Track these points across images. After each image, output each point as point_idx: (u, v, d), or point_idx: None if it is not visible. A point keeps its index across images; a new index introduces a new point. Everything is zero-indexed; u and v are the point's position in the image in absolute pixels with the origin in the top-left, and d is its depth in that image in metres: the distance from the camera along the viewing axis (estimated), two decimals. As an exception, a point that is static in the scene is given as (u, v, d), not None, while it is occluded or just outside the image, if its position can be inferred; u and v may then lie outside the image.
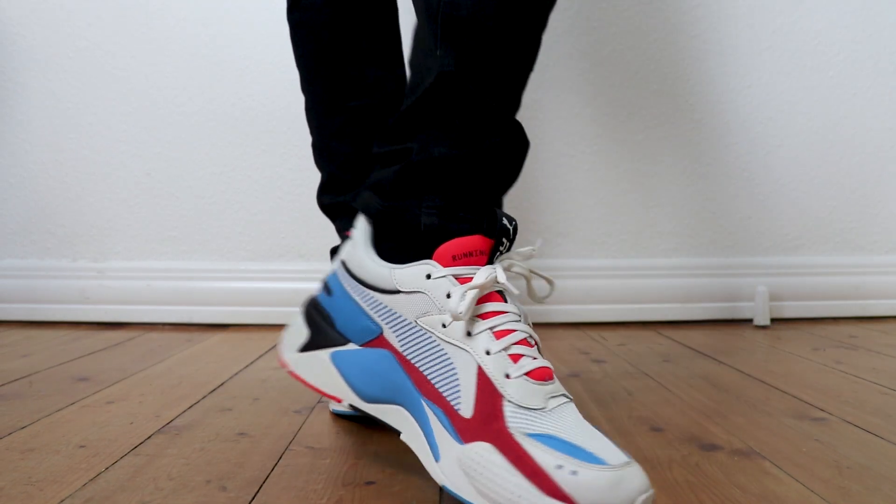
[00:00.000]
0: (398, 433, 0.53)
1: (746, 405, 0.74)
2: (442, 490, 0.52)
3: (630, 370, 0.91)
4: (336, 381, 0.56)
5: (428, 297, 0.51)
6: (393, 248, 0.55)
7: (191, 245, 1.28)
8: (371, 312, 0.54)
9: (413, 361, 0.51)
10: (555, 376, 0.50)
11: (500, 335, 0.49)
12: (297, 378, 0.59)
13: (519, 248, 0.57)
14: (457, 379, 0.49)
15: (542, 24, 0.55)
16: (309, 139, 0.77)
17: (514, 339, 0.49)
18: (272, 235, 1.28)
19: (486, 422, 0.47)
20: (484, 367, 0.48)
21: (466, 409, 0.48)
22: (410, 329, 0.52)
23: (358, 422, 0.68)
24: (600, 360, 0.97)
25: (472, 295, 0.48)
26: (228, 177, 1.28)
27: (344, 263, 0.58)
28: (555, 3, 0.57)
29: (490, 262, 0.52)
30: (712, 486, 0.52)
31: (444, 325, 0.50)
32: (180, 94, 1.27)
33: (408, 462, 0.57)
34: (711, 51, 1.30)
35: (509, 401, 0.47)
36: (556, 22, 1.28)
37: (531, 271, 0.56)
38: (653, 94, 1.30)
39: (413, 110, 0.54)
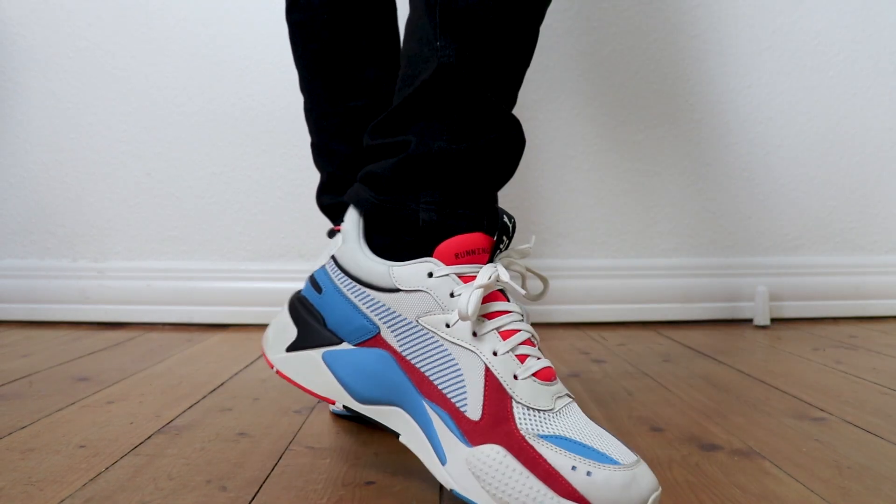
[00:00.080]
0: (397, 434, 0.52)
1: (746, 405, 0.74)
2: (442, 490, 0.52)
3: (630, 370, 0.91)
4: (329, 382, 0.54)
5: (430, 295, 0.50)
6: (388, 243, 0.54)
7: (191, 245, 1.28)
8: (367, 311, 0.52)
9: (413, 362, 0.50)
10: (556, 375, 0.50)
11: (506, 335, 0.49)
12: (286, 379, 0.57)
13: (514, 245, 0.57)
14: (462, 380, 0.48)
15: (540, 15, 0.55)
16: (309, 139, 0.77)
17: (520, 339, 0.49)
18: (272, 235, 1.28)
19: (496, 424, 0.46)
20: (492, 368, 0.47)
21: (474, 411, 0.47)
22: (411, 329, 0.50)
23: (358, 422, 0.68)
24: (600, 360, 0.97)
25: (478, 294, 0.47)
26: (228, 177, 1.28)
27: (335, 259, 0.55)
28: None
29: (491, 260, 0.51)
30: (712, 486, 0.52)
31: (447, 325, 0.49)
32: (180, 94, 1.27)
33: (408, 462, 0.57)
34: (711, 51, 1.30)
35: (518, 402, 0.46)
36: (556, 22, 1.28)
37: (527, 269, 0.55)
38: (653, 94, 1.30)
39: (410, 102, 0.53)
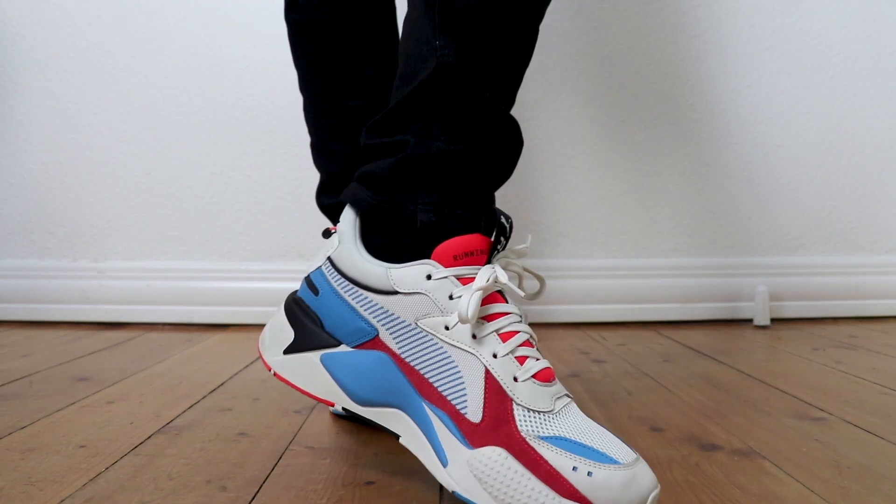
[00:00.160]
0: (397, 436, 0.52)
1: (746, 405, 0.74)
2: (442, 490, 0.52)
3: (630, 370, 0.91)
4: (327, 385, 0.53)
5: (429, 298, 0.50)
6: (384, 243, 0.53)
7: (191, 245, 1.28)
8: (365, 313, 0.52)
9: (413, 364, 0.50)
10: (555, 375, 0.50)
11: (505, 337, 0.49)
12: (284, 381, 0.56)
13: (511, 245, 0.57)
14: (462, 382, 0.48)
15: (539, 14, 0.55)
16: (308, 139, 0.77)
17: (519, 341, 0.49)
18: (272, 235, 1.28)
19: (496, 426, 0.46)
20: (492, 371, 0.48)
21: (474, 413, 0.47)
22: (410, 331, 0.50)
23: (358, 422, 0.68)
24: (600, 360, 0.97)
25: (478, 297, 0.47)
26: (228, 177, 1.28)
27: (332, 261, 0.55)
28: None
29: (489, 261, 0.51)
30: (712, 486, 0.52)
31: (446, 328, 0.49)
32: (180, 94, 1.27)
33: (408, 462, 0.57)
34: (711, 51, 1.30)
35: (518, 404, 0.47)
36: (556, 22, 1.28)
37: (524, 269, 0.55)
38: (653, 94, 1.30)
39: (408, 102, 0.52)
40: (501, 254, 0.53)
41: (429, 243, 0.51)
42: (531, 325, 1.25)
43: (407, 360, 0.51)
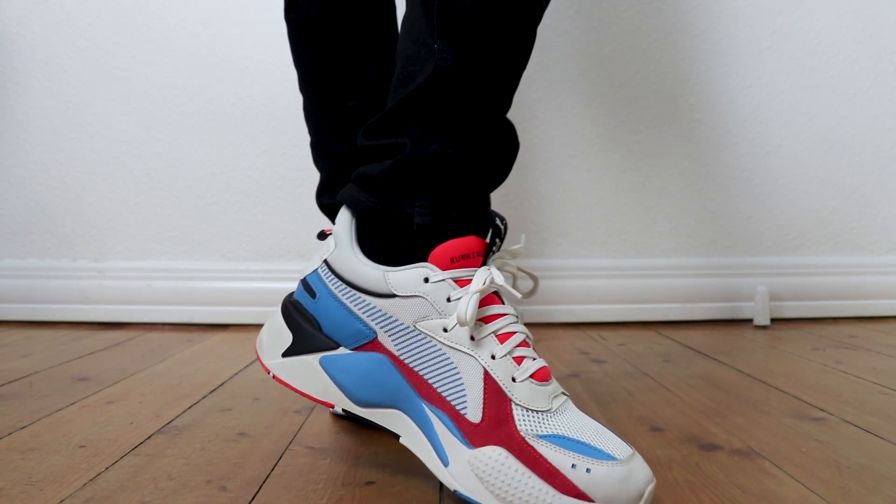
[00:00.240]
0: (397, 436, 0.53)
1: (746, 405, 0.74)
2: (442, 490, 0.52)
3: (630, 370, 0.91)
4: (327, 387, 0.54)
5: (427, 301, 0.50)
6: (381, 246, 0.54)
7: (191, 245, 1.29)
8: (363, 316, 0.52)
9: (412, 366, 0.51)
10: (551, 373, 0.51)
11: (503, 338, 0.50)
12: (284, 384, 0.57)
13: (505, 245, 0.57)
14: (461, 383, 0.49)
15: (537, 17, 0.55)
16: (308, 139, 0.77)
17: (517, 342, 0.50)
18: (272, 235, 1.28)
19: (496, 426, 0.47)
20: (490, 372, 0.48)
21: (474, 413, 0.48)
22: (408, 333, 0.51)
23: (358, 422, 0.68)
24: (600, 360, 0.97)
25: (476, 300, 0.48)
26: (228, 177, 1.28)
27: (328, 264, 0.55)
28: None
29: (484, 262, 0.52)
30: (712, 486, 0.52)
31: (445, 330, 0.50)
32: (180, 94, 1.27)
33: (408, 462, 0.57)
34: (711, 51, 1.30)
35: (517, 404, 0.48)
36: (556, 22, 1.28)
37: (518, 269, 0.56)
38: (653, 94, 1.30)
39: (406, 104, 0.53)
40: (496, 255, 0.53)
41: (425, 246, 0.51)
42: (532, 325, 1.25)
43: (406, 361, 0.51)
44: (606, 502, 0.44)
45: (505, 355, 0.49)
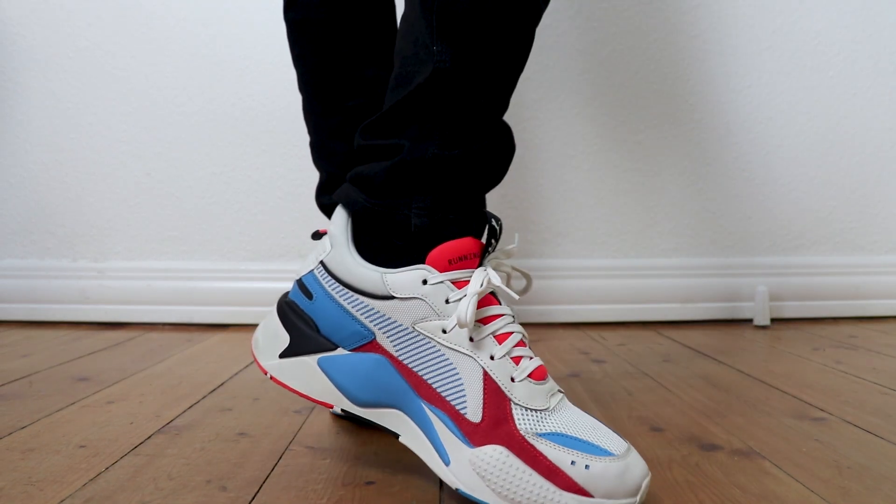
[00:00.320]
0: (397, 435, 0.53)
1: (746, 405, 0.74)
2: (442, 490, 0.52)
3: (630, 370, 0.91)
4: (326, 387, 0.54)
5: (425, 302, 0.50)
6: (378, 247, 0.54)
7: (191, 245, 1.29)
8: (361, 317, 0.53)
9: (411, 366, 0.51)
10: (547, 372, 0.52)
11: (501, 339, 0.50)
12: (282, 385, 0.57)
13: (500, 245, 0.58)
14: (461, 384, 0.49)
15: (536, 18, 0.55)
16: (308, 139, 0.77)
17: (514, 342, 0.50)
18: (272, 235, 1.28)
19: (496, 425, 0.48)
20: (490, 373, 0.49)
21: (474, 413, 0.49)
22: (407, 334, 0.51)
23: (357, 422, 0.68)
24: (600, 360, 0.97)
25: (475, 302, 0.49)
26: (228, 177, 1.28)
27: (324, 265, 0.55)
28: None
29: (481, 263, 0.52)
30: (712, 486, 0.52)
31: (444, 331, 0.50)
32: (180, 94, 1.27)
33: (408, 462, 0.57)
34: (711, 51, 1.30)
35: (516, 403, 0.49)
36: (556, 22, 1.28)
37: (513, 268, 0.56)
38: (653, 94, 1.30)
39: (403, 105, 0.53)
40: (492, 255, 0.54)
41: (423, 247, 0.52)
42: (532, 325, 1.25)
43: (405, 362, 0.51)
44: (606, 497, 0.45)
45: (504, 356, 0.50)
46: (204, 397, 0.78)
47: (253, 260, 1.28)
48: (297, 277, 0.57)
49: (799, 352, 1.02)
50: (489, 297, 0.52)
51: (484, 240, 0.54)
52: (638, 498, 0.46)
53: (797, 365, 0.93)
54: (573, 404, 0.52)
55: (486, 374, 0.49)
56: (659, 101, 1.30)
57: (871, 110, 1.33)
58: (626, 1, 1.29)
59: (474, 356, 0.49)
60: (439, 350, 0.50)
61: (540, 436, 0.47)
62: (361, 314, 0.53)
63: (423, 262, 0.51)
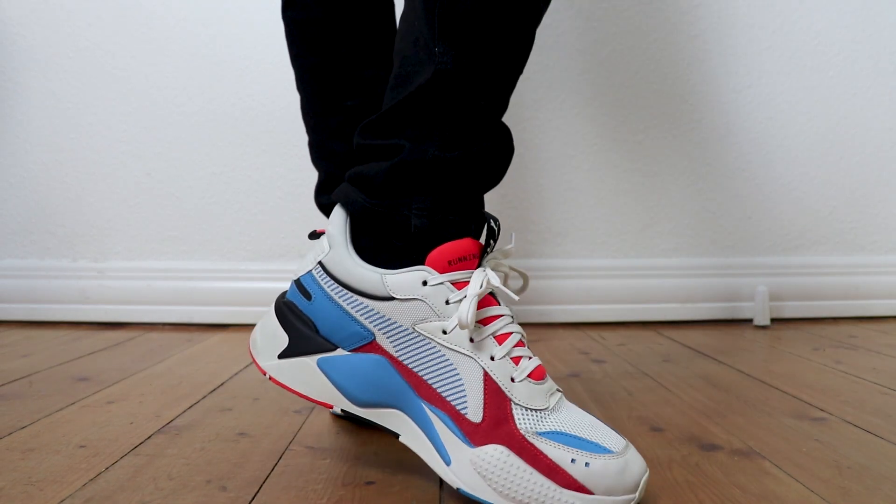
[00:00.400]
0: (397, 435, 0.53)
1: (746, 405, 0.74)
2: (442, 490, 0.52)
3: (630, 370, 0.91)
4: (326, 388, 0.54)
5: (425, 303, 0.51)
6: (377, 247, 0.54)
7: (191, 245, 1.29)
8: (360, 318, 0.53)
9: (411, 367, 0.51)
10: (546, 371, 0.52)
11: (500, 339, 0.51)
12: (281, 385, 0.56)
13: (497, 246, 0.58)
14: (461, 384, 0.50)
15: (537, 20, 0.55)
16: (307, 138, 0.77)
17: (514, 342, 0.51)
18: (272, 235, 1.28)
19: (497, 425, 0.48)
20: (490, 373, 0.49)
21: (474, 413, 0.49)
22: (407, 335, 0.51)
23: (357, 422, 0.68)
24: (600, 360, 0.97)
25: (476, 302, 0.49)
26: (228, 177, 1.28)
27: (323, 265, 0.55)
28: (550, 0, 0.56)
29: (479, 264, 0.52)
30: (712, 486, 0.52)
31: (444, 332, 0.50)
32: (180, 94, 1.27)
33: (408, 462, 0.57)
34: (711, 51, 1.30)
35: (517, 403, 0.49)
36: (556, 22, 1.28)
37: (510, 268, 0.56)
38: (653, 94, 1.30)
39: (404, 105, 0.53)
40: (490, 255, 0.54)
41: (422, 248, 0.52)
42: (531, 325, 1.25)
43: (405, 362, 0.51)
44: (606, 494, 0.46)
45: (504, 356, 0.50)
46: (204, 397, 0.78)
47: (253, 260, 1.28)
48: (295, 278, 0.57)
49: (799, 352, 1.02)
50: (488, 298, 0.52)
51: (482, 240, 0.54)
52: (637, 494, 0.47)
53: (797, 365, 0.93)
54: (572, 403, 0.53)
55: (486, 374, 0.49)
56: (659, 101, 1.30)
57: (871, 110, 1.33)
58: (626, 1, 1.29)
59: (475, 357, 0.50)
60: (439, 351, 0.50)
61: (540, 435, 0.48)
62: (361, 315, 0.53)
63: (423, 263, 0.51)
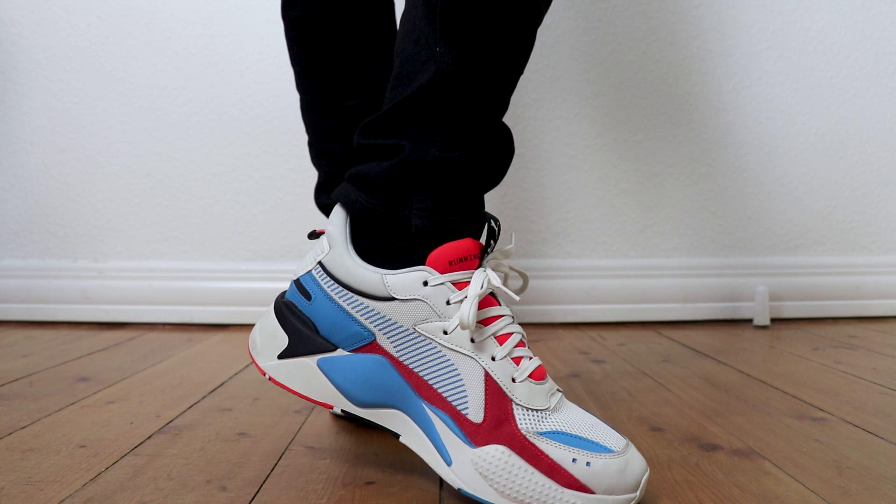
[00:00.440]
0: (397, 435, 0.53)
1: (746, 405, 0.74)
2: (442, 490, 0.52)
3: (630, 370, 0.91)
4: (326, 388, 0.54)
5: (426, 304, 0.50)
6: (378, 247, 0.54)
7: (191, 245, 1.29)
8: (361, 318, 0.52)
9: (411, 367, 0.51)
10: (546, 371, 0.52)
11: (501, 340, 0.51)
12: (281, 386, 0.56)
13: (497, 246, 0.58)
14: (462, 384, 0.50)
15: (538, 20, 0.55)
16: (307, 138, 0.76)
17: (514, 342, 0.51)
18: (272, 235, 1.28)
19: (498, 425, 0.48)
20: (491, 374, 0.49)
21: (475, 413, 0.49)
22: (407, 335, 0.51)
23: (357, 422, 0.68)
24: (600, 360, 0.97)
25: (476, 303, 0.49)
26: (228, 177, 1.28)
27: (323, 266, 0.55)
28: (551, 1, 0.56)
29: (480, 264, 0.52)
30: (712, 486, 0.52)
31: (445, 332, 0.50)
32: (180, 94, 1.27)
33: (408, 462, 0.57)
34: (712, 51, 1.30)
35: (518, 404, 0.49)
36: (556, 22, 1.28)
37: (510, 268, 0.56)
38: (653, 94, 1.30)
39: (405, 105, 0.53)
40: (490, 255, 0.54)
41: (423, 248, 0.52)
42: (532, 325, 1.25)
43: (405, 363, 0.51)
44: (607, 493, 0.46)
45: (505, 357, 0.50)
46: (204, 397, 0.78)
47: (253, 260, 1.28)
48: (295, 278, 0.57)
49: (799, 352, 1.02)
50: (489, 298, 0.52)
51: (483, 240, 0.54)
52: (638, 493, 0.47)
53: (797, 365, 0.93)
54: (573, 403, 0.53)
55: (487, 375, 0.49)
56: (659, 101, 1.30)
57: (871, 110, 1.33)
58: (626, 1, 1.29)
59: (476, 357, 0.50)
60: (440, 351, 0.50)
61: (541, 434, 0.48)
62: (361, 315, 0.53)
63: (424, 264, 0.51)
